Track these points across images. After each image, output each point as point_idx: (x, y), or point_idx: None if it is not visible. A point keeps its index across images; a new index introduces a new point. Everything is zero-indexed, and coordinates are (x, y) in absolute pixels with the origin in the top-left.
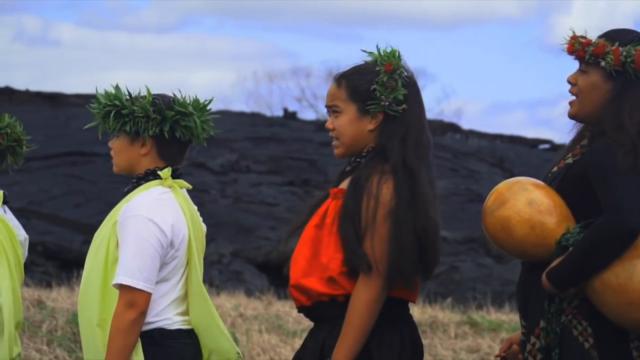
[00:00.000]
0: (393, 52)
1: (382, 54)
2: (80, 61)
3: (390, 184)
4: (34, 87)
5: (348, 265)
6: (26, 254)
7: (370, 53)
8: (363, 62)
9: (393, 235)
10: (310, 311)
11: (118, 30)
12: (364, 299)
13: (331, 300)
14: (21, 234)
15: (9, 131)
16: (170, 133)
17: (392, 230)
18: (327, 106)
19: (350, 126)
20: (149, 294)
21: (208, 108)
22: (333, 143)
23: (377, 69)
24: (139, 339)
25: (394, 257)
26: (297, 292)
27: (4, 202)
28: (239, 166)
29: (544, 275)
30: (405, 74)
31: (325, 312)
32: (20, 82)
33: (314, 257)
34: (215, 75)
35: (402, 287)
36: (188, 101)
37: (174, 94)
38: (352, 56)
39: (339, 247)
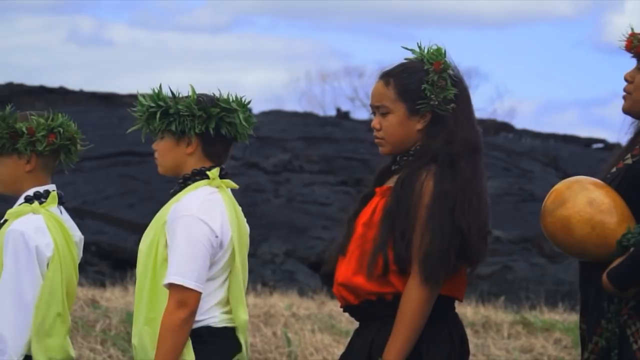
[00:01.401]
0: (439, 50)
1: (427, 52)
2: (134, 61)
3: (433, 181)
4: (88, 88)
5: (398, 263)
6: (81, 254)
7: (414, 51)
8: (407, 60)
9: (433, 233)
10: (356, 310)
11: (171, 30)
12: (416, 297)
13: (379, 299)
14: (76, 234)
15: (62, 130)
16: (216, 131)
17: (432, 229)
18: (373, 106)
19: (400, 127)
20: (200, 294)
21: (249, 105)
22: (377, 141)
23: (426, 67)
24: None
25: (430, 254)
26: (345, 291)
27: (60, 203)
28: (292, 166)
29: (604, 275)
30: (453, 72)
31: (372, 312)
32: (74, 82)
33: (363, 255)
34: (268, 75)
35: (449, 284)
36: (231, 99)
37: (214, 93)
38: (405, 56)
39: (391, 244)
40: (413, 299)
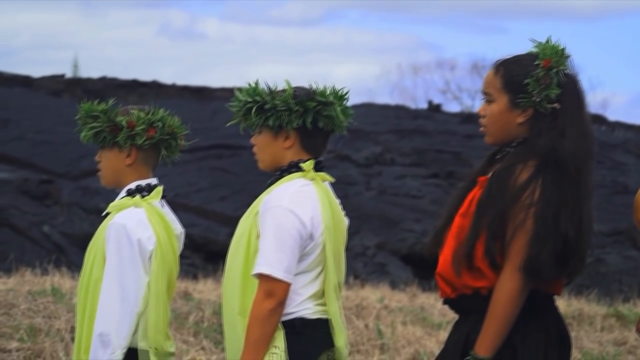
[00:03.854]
0: (556, 48)
1: (547, 48)
2: (226, 55)
3: (533, 177)
4: (180, 81)
5: (487, 257)
6: (182, 247)
7: (538, 44)
8: (527, 52)
9: (534, 230)
10: (454, 304)
11: (263, 24)
12: (506, 290)
13: (475, 293)
14: (177, 228)
15: (162, 124)
16: (313, 124)
17: (534, 225)
18: (482, 92)
19: (500, 116)
20: (288, 284)
21: (347, 97)
22: (482, 129)
23: (536, 62)
24: (282, 327)
25: (532, 252)
26: (443, 282)
27: (162, 197)
28: (383, 159)
29: None
30: (565, 71)
31: (469, 306)
32: (167, 75)
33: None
34: (359, 68)
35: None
36: (327, 91)
37: (310, 86)
38: (497, 48)
39: (482, 238)
40: (504, 292)
